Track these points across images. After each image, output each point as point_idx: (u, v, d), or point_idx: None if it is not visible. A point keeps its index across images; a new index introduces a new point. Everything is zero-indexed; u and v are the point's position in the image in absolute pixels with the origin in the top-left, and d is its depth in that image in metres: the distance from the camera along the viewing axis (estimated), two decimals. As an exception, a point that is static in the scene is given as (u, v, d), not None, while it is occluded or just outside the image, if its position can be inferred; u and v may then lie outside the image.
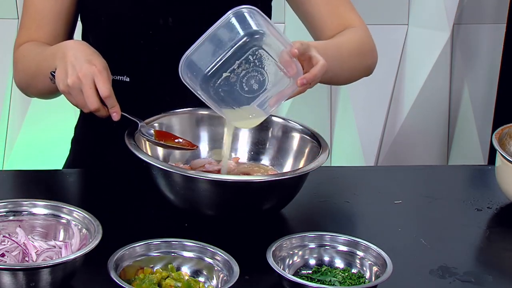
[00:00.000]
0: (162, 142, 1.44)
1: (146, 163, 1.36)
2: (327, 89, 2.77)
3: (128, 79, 1.58)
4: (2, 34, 2.50)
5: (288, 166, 1.49)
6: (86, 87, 1.37)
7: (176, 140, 1.46)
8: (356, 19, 1.65)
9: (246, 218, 1.39)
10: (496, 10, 2.81)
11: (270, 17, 1.67)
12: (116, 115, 1.40)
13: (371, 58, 1.64)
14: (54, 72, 1.41)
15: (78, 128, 1.74)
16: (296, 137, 1.50)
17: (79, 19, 1.64)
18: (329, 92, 2.78)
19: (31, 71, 1.54)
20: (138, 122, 1.44)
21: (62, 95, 1.50)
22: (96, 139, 1.67)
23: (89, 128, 1.68)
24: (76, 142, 1.75)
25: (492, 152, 2.54)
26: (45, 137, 2.66)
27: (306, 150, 1.48)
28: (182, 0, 1.56)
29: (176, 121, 1.51)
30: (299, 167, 1.45)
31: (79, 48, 1.42)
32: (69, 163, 1.74)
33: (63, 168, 1.76)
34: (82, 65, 1.38)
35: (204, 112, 1.53)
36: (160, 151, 1.48)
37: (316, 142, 1.46)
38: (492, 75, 2.84)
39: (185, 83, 1.34)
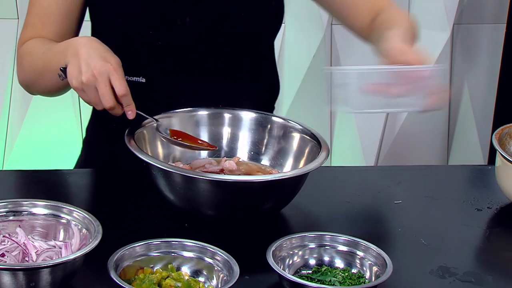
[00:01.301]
0: (180, 141, 1.44)
1: (146, 163, 1.36)
2: (327, 89, 2.77)
3: (143, 80, 1.57)
4: (2, 34, 2.50)
5: (288, 166, 1.49)
6: (102, 85, 1.36)
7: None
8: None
9: (246, 218, 1.39)
10: (496, 10, 2.82)
11: (282, 16, 1.66)
12: (131, 113, 1.39)
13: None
14: (64, 68, 1.40)
15: (89, 128, 1.73)
16: (296, 137, 1.50)
17: (89, 19, 1.63)
18: (329, 92, 2.77)
19: (38, 68, 1.53)
20: (155, 120, 1.43)
21: (67, 94, 1.49)
22: (108, 139, 1.66)
23: (101, 129, 1.67)
24: (87, 142, 1.73)
25: (492, 152, 2.54)
26: (45, 137, 2.66)
27: (306, 150, 1.48)
28: (200, 0, 1.55)
29: (176, 121, 1.51)
30: (299, 167, 1.45)
31: (92, 45, 1.40)
32: (80, 164, 1.74)
33: (74, 168, 1.76)
34: (97, 62, 1.36)
35: (204, 112, 1.53)
36: (160, 151, 1.48)
37: (316, 142, 1.46)
38: (492, 75, 2.84)
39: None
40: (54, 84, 1.49)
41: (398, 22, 1.54)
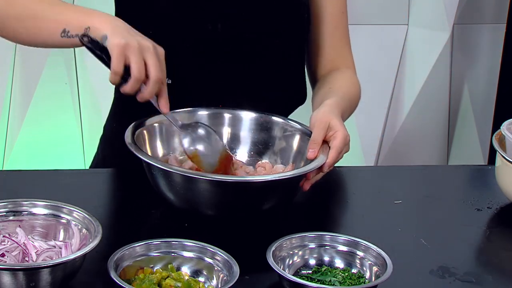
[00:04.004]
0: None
1: (146, 163, 1.36)
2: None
3: (169, 82, 1.56)
4: (2, 34, 2.50)
5: (288, 166, 1.49)
6: (155, 56, 1.32)
7: None
8: (351, 60, 1.71)
9: (246, 218, 1.39)
10: (496, 10, 2.82)
11: (309, 20, 1.66)
12: (166, 108, 1.38)
13: (359, 100, 1.70)
14: (84, 33, 1.34)
15: (107, 126, 1.72)
16: (296, 137, 1.50)
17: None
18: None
19: (33, 11, 1.43)
20: (179, 130, 1.43)
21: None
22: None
23: (120, 125, 1.64)
24: (105, 140, 1.72)
25: (492, 152, 2.54)
26: (45, 137, 2.66)
27: (306, 150, 1.48)
28: (232, 6, 1.55)
29: (176, 121, 1.51)
30: (299, 167, 1.45)
31: (133, 29, 1.37)
32: (97, 162, 1.73)
33: (90, 166, 1.75)
34: (147, 40, 1.34)
35: (204, 112, 1.53)
36: (160, 151, 1.48)
37: (316, 142, 1.46)
38: (492, 75, 2.84)
39: None
40: (40, 34, 1.42)
41: (337, 91, 1.59)
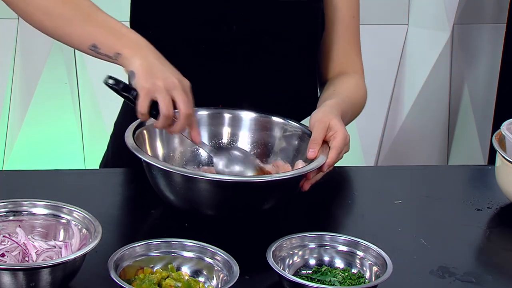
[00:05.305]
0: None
1: (146, 163, 1.36)
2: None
3: None
4: (2, 34, 2.50)
5: (288, 166, 1.49)
6: (182, 92, 1.33)
7: None
8: (360, 65, 1.70)
9: (246, 218, 1.39)
10: (496, 10, 2.82)
11: (323, 25, 1.66)
12: (197, 137, 1.40)
13: (364, 105, 1.70)
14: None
15: (118, 124, 1.71)
16: (296, 137, 1.50)
17: (129, 15, 1.61)
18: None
19: (67, 13, 1.41)
20: (211, 155, 1.45)
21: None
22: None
23: (130, 123, 1.63)
24: (115, 137, 1.72)
25: (492, 152, 2.54)
26: (45, 137, 2.66)
27: (306, 150, 1.48)
28: (249, 10, 1.55)
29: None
30: (299, 167, 1.45)
31: (160, 57, 1.37)
32: (107, 159, 1.73)
33: (100, 164, 1.75)
34: (174, 76, 1.34)
35: (204, 112, 1.53)
36: (160, 151, 1.48)
37: (316, 142, 1.46)
38: (492, 75, 2.84)
39: None
40: (71, 37, 1.41)
41: (339, 93, 1.59)
